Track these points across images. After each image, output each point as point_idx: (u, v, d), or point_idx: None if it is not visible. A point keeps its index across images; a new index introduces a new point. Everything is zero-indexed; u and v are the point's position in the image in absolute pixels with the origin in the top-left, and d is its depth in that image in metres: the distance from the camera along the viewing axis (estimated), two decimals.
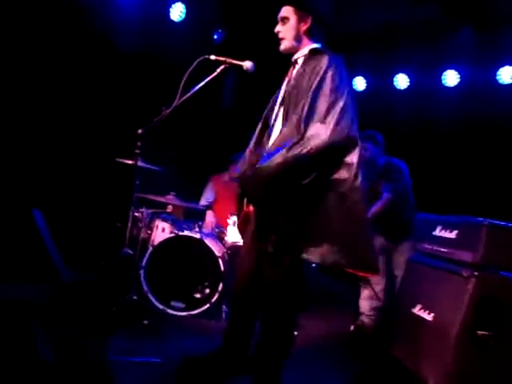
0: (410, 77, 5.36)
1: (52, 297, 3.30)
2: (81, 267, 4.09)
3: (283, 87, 2.35)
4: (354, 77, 5.65)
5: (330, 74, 2.09)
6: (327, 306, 4.70)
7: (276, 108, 2.33)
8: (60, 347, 2.23)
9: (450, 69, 5.00)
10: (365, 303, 3.78)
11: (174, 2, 4.66)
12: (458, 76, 4.97)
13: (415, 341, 2.76)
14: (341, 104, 2.05)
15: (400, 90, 5.42)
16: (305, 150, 1.97)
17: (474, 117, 4.80)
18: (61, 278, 3.92)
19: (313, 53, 2.27)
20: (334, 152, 2.01)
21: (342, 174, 2.03)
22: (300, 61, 2.31)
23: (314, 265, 4.19)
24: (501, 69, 4.72)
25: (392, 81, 5.43)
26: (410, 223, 3.63)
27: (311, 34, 2.31)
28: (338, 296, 5.01)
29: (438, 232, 2.93)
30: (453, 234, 2.78)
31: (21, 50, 4.14)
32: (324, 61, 2.13)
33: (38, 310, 2.65)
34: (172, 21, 4.71)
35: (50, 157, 4.40)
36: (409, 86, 5.38)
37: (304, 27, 2.29)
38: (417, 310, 2.83)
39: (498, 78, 4.75)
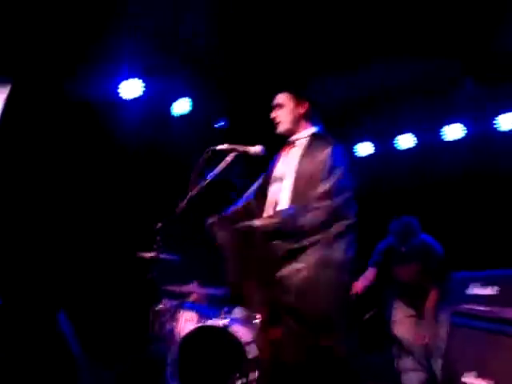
0: (415, 135, 5.40)
1: None
2: (105, 366, 3.94)
3: (280, 165, 2.40)
4: (358, 143, 5.72)
5: (331, 161, 2.20)
6: (367, 381, 4.39)
7: (274, 186, 2.36)
8: None
9: (453, 123, 5.05)
10: (413, 376, 3.54)
11: (177, 98, 4.88)
12: (464, 129, 5.00)
13: None
14: (346, 194, 2.17)
15: (404, 150, 5.45)
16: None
17: (482, 167, 4.79)
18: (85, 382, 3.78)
19: (315, 138, 2.37)
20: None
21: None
22: (299, 143, 2.38)
23: None
24: (500, 116, 4.77)
25: (394, 142, 5.48)
26: (443, 288, 3.58)
27: (309, 117, 2.43)
28: (377, 369, 4.72)
29: (476, 290, 2.78)
30: (494, 291, 2.64)
31: (32, 152, 4.25)
32: (328, 150, 2.24)
33: None
34: (176, 116, 4.91)
35: (70, 257, 4.41)
36: (414, 146, 5.41)
37: (301, 111, 2.41)
38: (469, 379, 2.61)
39: (496, 126, 4.78)
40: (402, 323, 3.72)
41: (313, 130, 2.42)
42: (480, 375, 2.55)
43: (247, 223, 2.19)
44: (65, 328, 3.97)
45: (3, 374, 3.32)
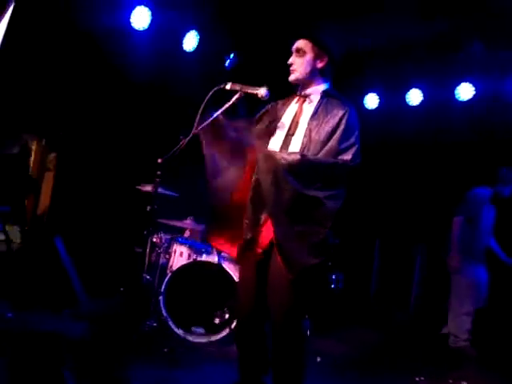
0: (423, 92, 5.33)
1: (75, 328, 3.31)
2: (100, 293, 4.10)
3: (288, 115, 2.37)
4: (366, 94, 5.64)
5: (349, 122, 2.23)
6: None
7: (277, 134, 2.34)
8: (84, 379, 2.24)
9: (463, 82, 4.97)
10: None
11: (187, 32, 4.71)
12: (473, 89, 4.93)
13: None
14: (356, 146, 2.23)
15: (413, 106, 5.40)
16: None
17: (488, 129, 4.77)
18: (81, 307, 3.95)
19: (327, 96, 2.33)
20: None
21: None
22: (314, 98, 2.34)
23: None
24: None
25: (404, 97, 5.41)
26: None
27: (324, 73, 2.35)
28: None
29: None
30: None
31: (40, 81, 4.22)
32: (345, 112, 2.25)
33: (63, 341, 2.66)
34: (185, 51, 4.74)
35: (71, 185, 4.47)
36: (422, 102, 5.35)
37: (320, 65, 2.32)
38: None
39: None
40: None
41: (323, 87, 2.35)
42: None
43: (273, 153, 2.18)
44: (62, 252, 4.09)
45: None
